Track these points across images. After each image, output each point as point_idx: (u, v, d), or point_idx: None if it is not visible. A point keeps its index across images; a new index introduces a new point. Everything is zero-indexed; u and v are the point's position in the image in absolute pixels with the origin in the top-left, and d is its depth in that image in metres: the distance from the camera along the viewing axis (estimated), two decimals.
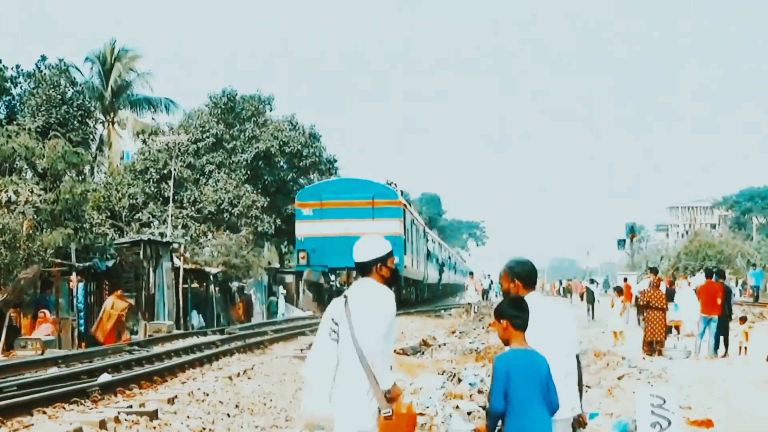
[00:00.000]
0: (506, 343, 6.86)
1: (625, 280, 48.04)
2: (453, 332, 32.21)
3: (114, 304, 29.61)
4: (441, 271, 71.49)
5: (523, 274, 7.27)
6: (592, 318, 44.13)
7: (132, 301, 32.72)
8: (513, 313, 6.80)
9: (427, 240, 61.66)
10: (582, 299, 67.72)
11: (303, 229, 45.28)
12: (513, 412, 6.59)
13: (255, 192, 56.26)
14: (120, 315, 29.55)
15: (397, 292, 41.65)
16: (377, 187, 46.31)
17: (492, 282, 75.74)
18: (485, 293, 68.79)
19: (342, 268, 43.80)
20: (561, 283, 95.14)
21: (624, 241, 75.83)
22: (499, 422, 6.65)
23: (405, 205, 48.06)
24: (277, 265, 61.37)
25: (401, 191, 50.16)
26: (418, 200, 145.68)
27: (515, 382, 6.60)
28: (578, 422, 7.31)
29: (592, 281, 57.95)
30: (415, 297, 57.47)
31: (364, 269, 7.00)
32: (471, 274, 55.23)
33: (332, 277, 44.62)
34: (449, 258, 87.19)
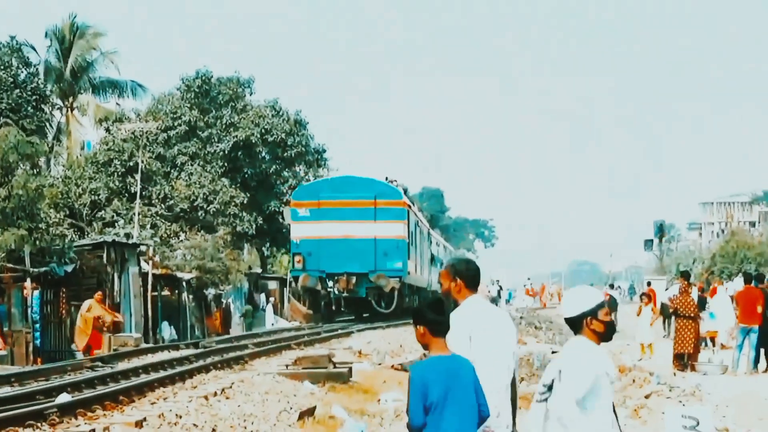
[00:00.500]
0: (425, 348, 6.97)
1: (649, 284, 48.22)
2: None
3: (91, 308, 29.60)
4: None
5: (466, 273, 7.48)
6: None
7: (119, 317, 32.72)
8: (432, 318, 6.87)
9: (431, 242, 62.18)
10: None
11: (299, 231, 45.71)
12: (433, 424, 6.67)
13: (233, 187, 56.23)
14: (97, 319, 29.54)
15: (399, 300, 42.28)
16: (380, 186, 46.95)
17: (501, 288, 75.81)
18: (493, 302, 68.71)
19: (341, 274, 44.47)
20: None
21: (652, 241, 75.93)
22: None
23: (409, 206, 48.76)
24: (259, 270, 61.34)
25: (404, 189, 50.77)
26: (419, 195, 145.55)
27: (435, 393, 6.66)
28: None
29: (612, 286, 58.78)
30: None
31: (574, 325, 6.99)
32: None
33: (330, 283, 45.00)
34: None
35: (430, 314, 6.88)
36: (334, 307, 47.45)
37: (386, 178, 48.62)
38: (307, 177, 63.21)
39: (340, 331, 40.11)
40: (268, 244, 64.49)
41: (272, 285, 60.37)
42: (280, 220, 63.20)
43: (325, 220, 44.76)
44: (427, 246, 58.91)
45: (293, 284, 58.37)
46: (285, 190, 59.49)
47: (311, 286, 45.96)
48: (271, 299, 55.49)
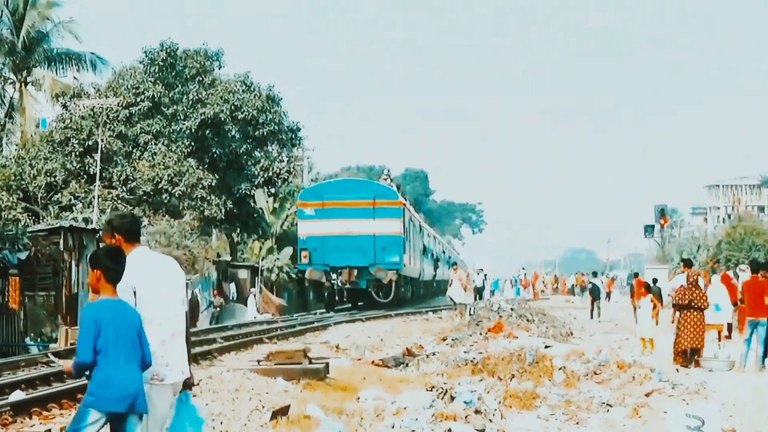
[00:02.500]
0: (96, 292, 7.89)
1: (636, 275, 49.03)
2: (444, 339, 32.21)
3: None
4: (436, 267, 76.85)
5: (122, 227, 8.40)
6: (598, 316, 46.75)
7: None
8: (108, 264, 7.89)
9: (423, 235, 68.38)
10: (609, 298, 68.51)
11: (305, 229, 52.50)
12: (101, 363, 7.67)
13: (201, 168, 56.11)
14: None
15: (396, 290, 47.88)
16: (378, 188, 55.58)
17: (486, 277, 76.22)
18: (478, 291, 69.14)
19: (344, 267, 51.14)
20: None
21: (652, 227, 75.74)
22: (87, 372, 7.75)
23: (405, 205, 55.92)
24: (228, 258, 61.28)
25: (398, 186, 59.97)
26: (401, 177, 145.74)
27: (105, 333, 7.65)
28: (187, 385, 8.63)
29: (595, 274, 61.33)
30: (411, 295, 63.14)
31: None
32: (454, 265, 61.33)
33: (334, 276, 51.48)
34: (443, 251, 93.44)
35: (106, 260, 7.90)
36: (337, 298, 53.88)
37: (384, 172, 58.57)
38: (280, 157, 63.20)
39: (316, 324, 40.37)
40: (238, 230, 64.38)
41: (242, 274, 60.41)
42: (252, 204, 63.28)
43: (329, 219, 51.54)
44: (420, 239, 65.27)
45: (265, 273, 59.21)
46: (256, 172, 59.38)
47: (317, 279, 52.09)
48: (254, 289, 56.98)
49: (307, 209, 52.74)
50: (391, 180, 62.64)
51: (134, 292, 8.07)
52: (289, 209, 70.06)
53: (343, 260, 50.87)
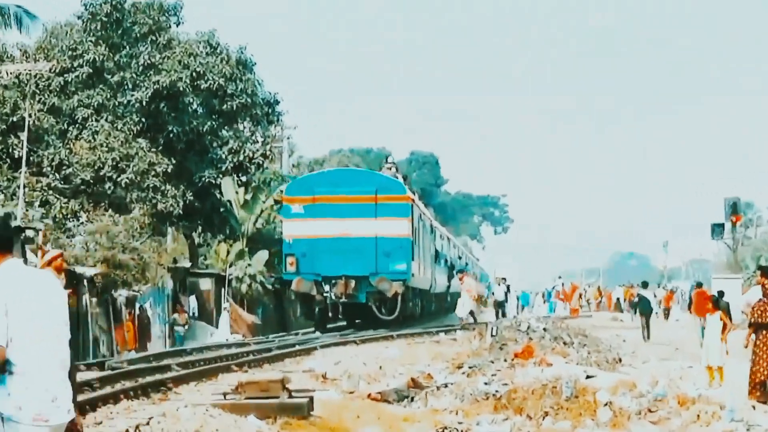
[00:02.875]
0: None
1: (699, 285, 49.43)
2: (459, 367, 32.18)
3: None
4: (450, 276, 76.93)
5: None
6: (647, 338, 46.65)
7: None
8: None
9: (435, 236, 69.05)
10: (667, 316, 68.55)
11: (291, 230, 52.89)
12: None
13: (154, 150, 56.05)
14: None
15: (402, 305, 48.04)
16: (381, 180, 55.36)
17: (508, 289, 76.40)
18: (500, 306, 69.30)
19: (338, 277, 51.13)
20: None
21: (722, 226, 75.49)
22: None
23: (414, 201, 56.85)
24: (188, 264, 61.21)
25: (404, 177, 58.98)
26: (406, 162, 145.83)
27: None
28: (71, 429, 8.58)
29: (645, 285, 60.62)
30: (420, 311, 63.97)
31: None
32: (461, 272, 64.06)
33: (326, 288, 51.40)
34: (459, 257, 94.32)
35: None
36: (330, 314, 53.68)
37: (387, 160, 58.49)
38: (253, 137, 63.16)
39: (298, 348, 40.25)
40: (200, 229, 64.34)
41: (205, 284, 60.44)
42: (218, 196, 63.17)
43: (321, 218, 51.81)
44: (431, 241, 66.49)
45: (234, 283, 59.28)
46: (223, 155, 59.33)
47: (305, 291, 51.84)
48: (225, 304, 57.17)
49: (293, 206, 52.94)
50: (397, 169, 62.41)
51: (6, 312, 8.01)
52: (264, 202, 70.12)
53: (338, 268, 50.88)
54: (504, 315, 66.27)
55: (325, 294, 51.41)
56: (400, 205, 53.16)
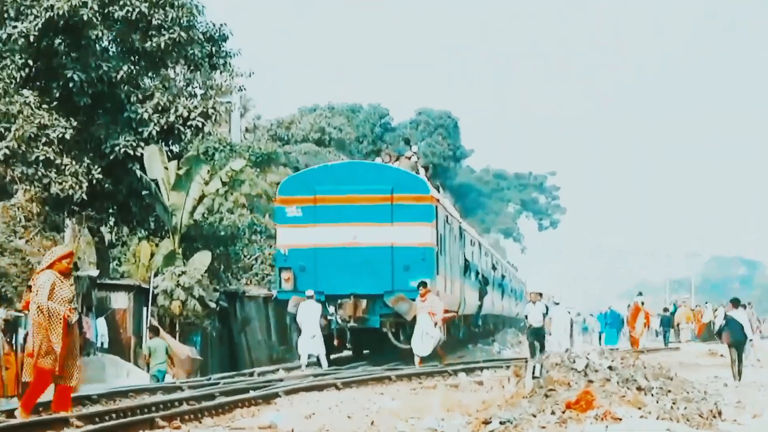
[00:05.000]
0: None
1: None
2: (485, 422, 32.16)
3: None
4: (482, 293, 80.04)
5: None
6: (738, 376, 46.50)
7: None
8: None
9: (465, 242, 72.79)
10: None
11: (287, 238, 56.61)
12: None
13: (46, 107, 55.97)
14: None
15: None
16: (398, 175, 58.48)
17: (548, 310, 76.43)
18: (536, 336, 69.68)
19: (346, 296, 54.80)
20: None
21: None
22: None
23: (438, 201, 60.53)
24: (94, 271, 61.05)
25: (425, 167, 64.19)
26: (412, 125, 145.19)
27: None
28: None
29: (736, 303, 57.68)
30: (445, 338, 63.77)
31: None
32: (423, 285, 58.98)
33: (331, 309, 54.73)
34: (494, 267, 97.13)
35: None
36: (336, 342, 56.52)
37: (411, 149, 63.49)
38: (190, 89, 63.06)
39: (253, 393, 40.11)
40: (111, 221, 64.25)
41: (119, 300, 60.24)
42: (137, 173, 62.77)
43: (324, 223, 55.41)
44: (459, 249, 70.43)
45: (161, 299, 59.31)
46: (147, 115, 59.21)
47: None
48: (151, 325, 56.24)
49: (289, 208, 56.15)
50: (418, 158, 63.55)
51: None
52: (206, 183, 69.18)
53: (345, 286, 54.11)
54: (542, 348, 66.11)
55: (329, 317, 54.35)
56: (421, 207, 56.12)
